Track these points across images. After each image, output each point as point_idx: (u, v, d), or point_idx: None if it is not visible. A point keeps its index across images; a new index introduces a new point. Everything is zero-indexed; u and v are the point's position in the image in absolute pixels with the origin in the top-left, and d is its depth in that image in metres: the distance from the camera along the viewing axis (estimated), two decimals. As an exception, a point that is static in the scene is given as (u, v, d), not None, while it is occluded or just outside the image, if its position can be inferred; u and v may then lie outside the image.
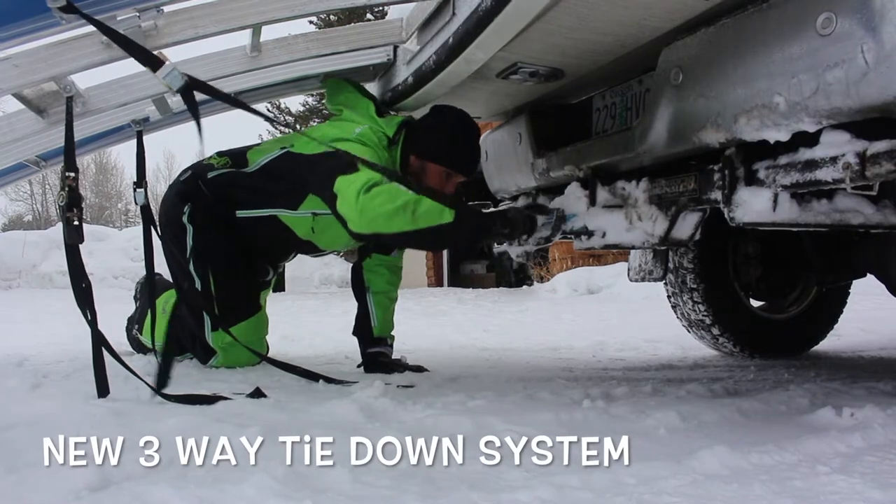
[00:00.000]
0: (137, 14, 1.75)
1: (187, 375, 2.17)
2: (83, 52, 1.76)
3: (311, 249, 2.55)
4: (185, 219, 2.43)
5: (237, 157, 2.49)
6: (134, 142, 2.38)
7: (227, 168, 2.46)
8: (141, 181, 2.18)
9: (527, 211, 2.13)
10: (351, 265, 2.68)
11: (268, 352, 2.64)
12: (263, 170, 2.41)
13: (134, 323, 2.81)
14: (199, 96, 2.26)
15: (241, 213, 2.42)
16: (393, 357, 2.52)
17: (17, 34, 1.67)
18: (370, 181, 1.99)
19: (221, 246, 2.44)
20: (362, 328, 2.55)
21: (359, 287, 2.59)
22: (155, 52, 1.79)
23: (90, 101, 2.00)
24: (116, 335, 2.49)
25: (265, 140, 2.88)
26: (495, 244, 2.42)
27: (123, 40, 1.69)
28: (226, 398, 1.68)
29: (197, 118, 1.84)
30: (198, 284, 2.40)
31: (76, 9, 1.56)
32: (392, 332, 2.60)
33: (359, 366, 2.50)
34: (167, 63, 1.74)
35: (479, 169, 2.82)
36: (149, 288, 2.86)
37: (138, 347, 2.75)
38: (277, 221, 2.40)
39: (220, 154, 2.54)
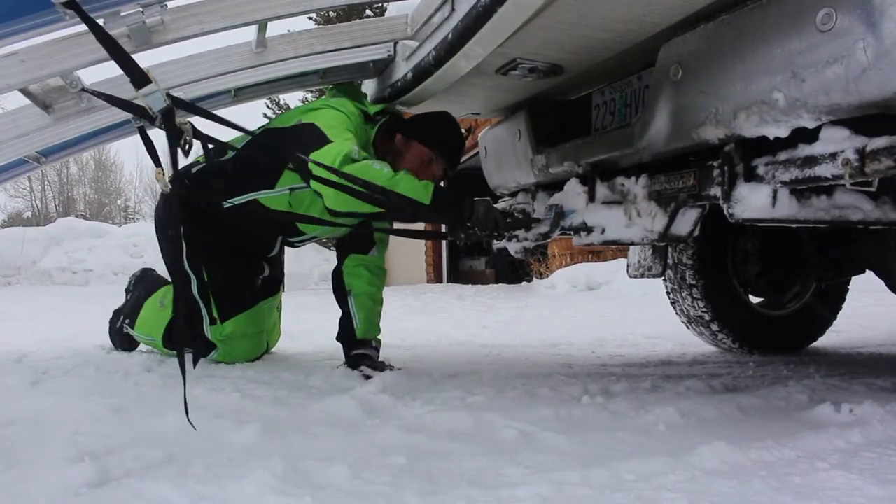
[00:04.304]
0: (141, 10, 1.74)
1: (187, 370, 2.17)
2: (89, 47, 1.74)
3: (294, 232, 2.50)
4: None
5: (219, 148, 2.46)
6: (137, 136, 2.37)
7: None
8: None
9: (503, 211, 2.11)
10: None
11: (269, 347, 2.65)
12: (244, 151, 2.36)
13: (123, 316, 2.74)
14: (196, 93, 2.26)
15: (225, 204, 2.37)
16: (379, 360, 2.37)
17: (23, 29, 1.66)
18: (341, 154, 1.98)
19: (213, 241, 2.42)
20: (345, 331, 2.44)
21: (340, 292, 2.50)
22: (144, 69, 1.68)
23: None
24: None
25: None
26: (494, 241, 2.41)
27: (115, 48, 1.63)
28: None
29: (173, 145, 1.70)
30: (194, 280, 2.40)
31: (77, 6, 1.55)
32: (378, 336, 2.46)
33: (338, 366, 2.34)
34: (152, 84, 1.65)
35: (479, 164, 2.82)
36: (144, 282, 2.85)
37: (121, 342, 2.73)
38: (258, 206, 2.36)
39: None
